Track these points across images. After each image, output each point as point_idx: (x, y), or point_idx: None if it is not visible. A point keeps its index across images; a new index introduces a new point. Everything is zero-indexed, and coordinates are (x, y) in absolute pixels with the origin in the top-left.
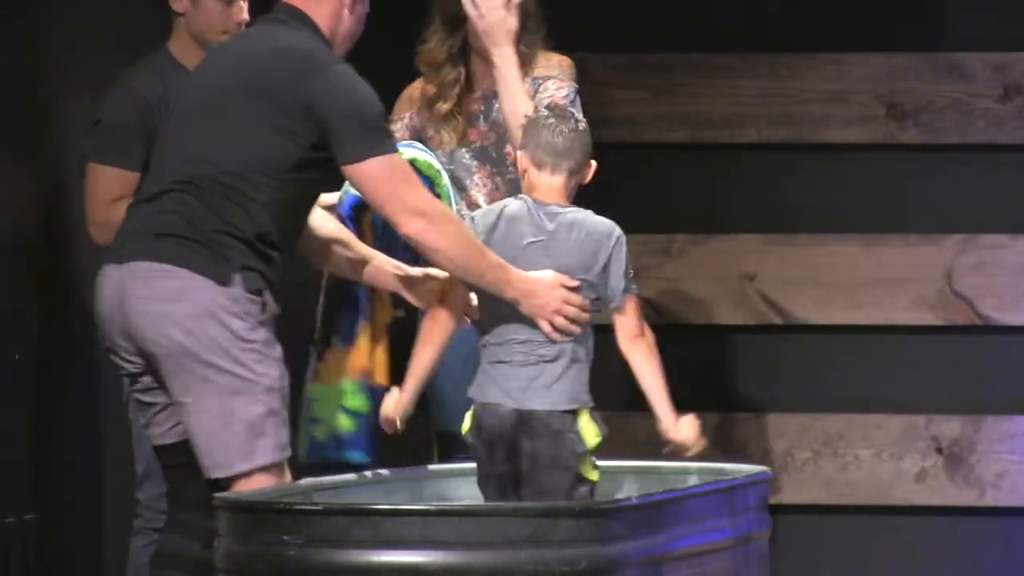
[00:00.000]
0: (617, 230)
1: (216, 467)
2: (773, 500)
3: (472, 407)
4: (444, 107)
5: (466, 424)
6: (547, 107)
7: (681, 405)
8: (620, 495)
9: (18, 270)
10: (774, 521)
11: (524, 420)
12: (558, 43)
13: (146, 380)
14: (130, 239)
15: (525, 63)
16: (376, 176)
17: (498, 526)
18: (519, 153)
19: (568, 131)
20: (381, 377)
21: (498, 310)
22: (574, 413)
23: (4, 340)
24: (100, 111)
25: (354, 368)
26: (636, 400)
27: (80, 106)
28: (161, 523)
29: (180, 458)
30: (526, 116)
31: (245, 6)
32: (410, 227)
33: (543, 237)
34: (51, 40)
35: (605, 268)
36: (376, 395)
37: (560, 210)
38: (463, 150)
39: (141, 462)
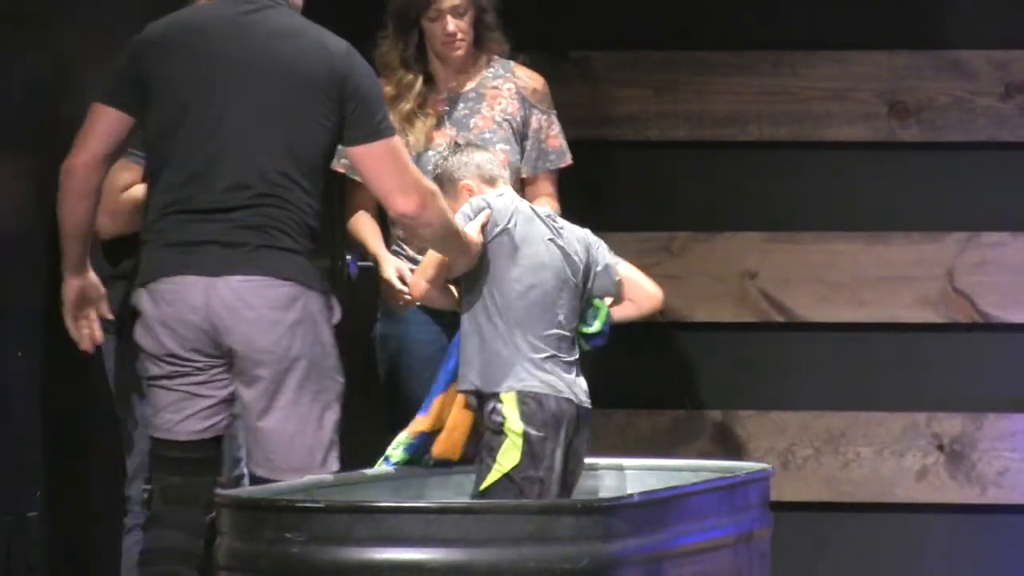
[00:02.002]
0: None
1: (291, 470)
2: (775, 497)
3: (518, 398)
4: (407, 107)
5: (515, 416)
6: (456, 143)
7: (683, 402)
8: (622, 492)
9: (23, 269)
10: (776, 518)
11: (581, 416)
12: (560, 42)
13: (205, 376)
14: (224, 252)
15: (496, 53)
16: (385, 155)
17: (500, 523)
18: (461, 183)
19: (490, 152)
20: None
21: (547, 305)
22: None
23: (7, 338)
24: None
25: (414, 430)
26: (638, 399)
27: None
28: None
29: (207, 452)
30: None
31: None
32: (410, 205)
33: (556, 237)
34: (75, 46)
35: (589, 266)
36: (413, 448)
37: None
38: (429, 153)
39: (133, 459)
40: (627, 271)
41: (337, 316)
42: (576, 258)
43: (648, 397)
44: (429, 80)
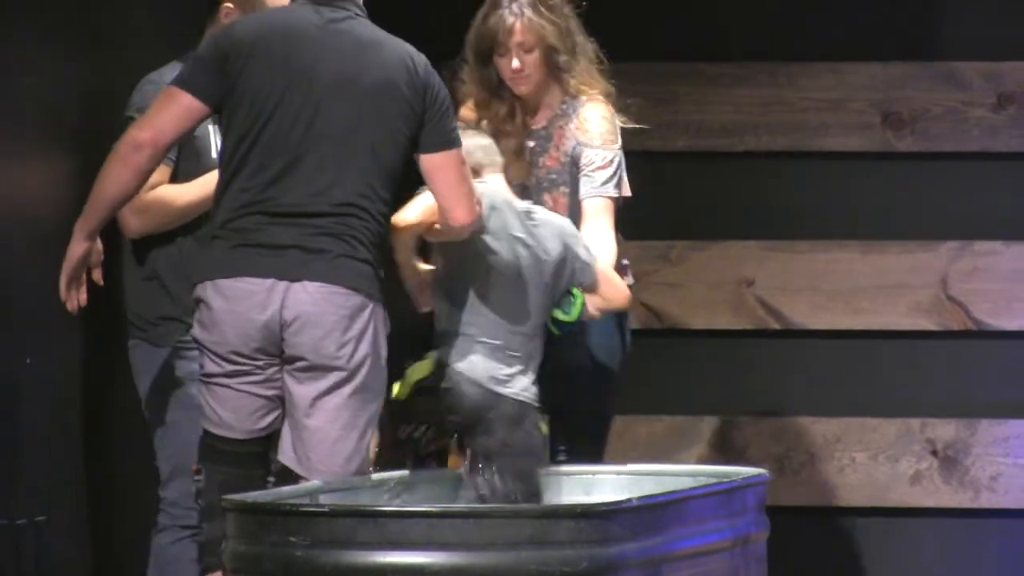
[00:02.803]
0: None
1: (327, 473)
2: (771, 502)
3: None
4: (511, 143)
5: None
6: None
7: (681, 408)
8: (621, 497)
9: (33, 277)
10: (772, 522)
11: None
12: None
13: (264, 375)
14: (305, 257)
15: (569, 92)
16: (456, 163)
17: (500, 527)
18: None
19: (486, 137)
20: None
21: (502, 302)
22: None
23: (17, 344)
24: (132, 107)
25: None
26: (637, 405)
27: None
28: (189, 520)
29: (261, 447)
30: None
31: None
32: (470, 216)
33: (527, 236)
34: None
35: (565, 259)
36: None
37: (530, 207)
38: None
39: (168, 461)
40: (603, 268)
41: (387, 328)
42: (546, 256)
43: (647, 403)
44: (513, 109)
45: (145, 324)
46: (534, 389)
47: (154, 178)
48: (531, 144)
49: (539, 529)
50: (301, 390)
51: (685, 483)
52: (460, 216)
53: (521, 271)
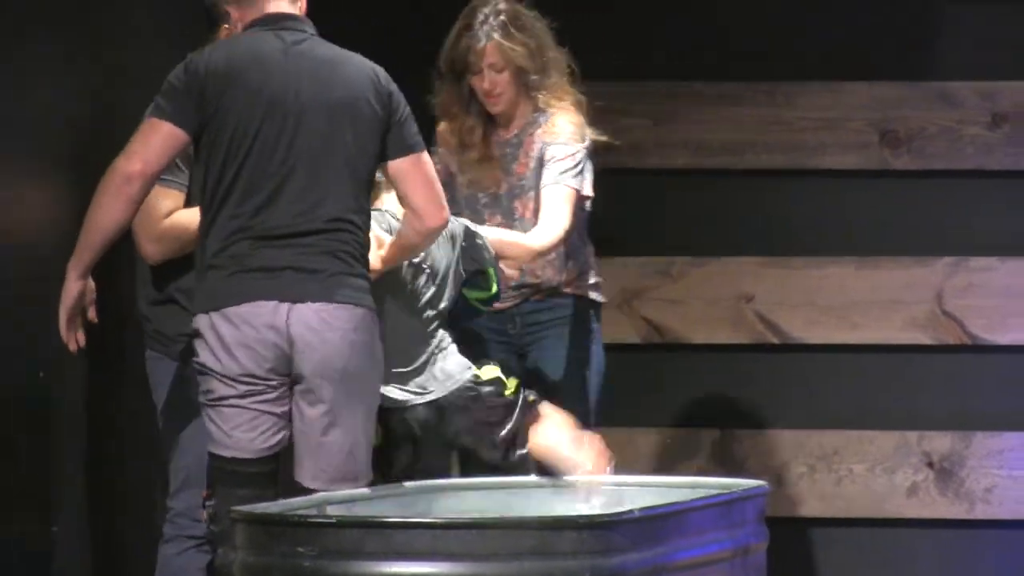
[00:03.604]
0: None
1: (344, 480)
2: (770, 513)
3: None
4: (473, 155)
5: None
6: None
7: (682, 421)
8: (623, 508)
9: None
10: (771, 533)
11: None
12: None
13: (275, 394)
14: (302, 277)
15: (540, 105)
16: (421, 167)
17: (504, 538)
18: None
19: None
20: None
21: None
22: None
23: (31, 358)
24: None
25: None
26: (638, 417)
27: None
28: (195, 531)
29: (271, 465)
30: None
31: None
32: (441, 218)
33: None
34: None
35: (456, 257)
36: None
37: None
38: (479, 194)
39: (179, 472)
40: (494, 236)
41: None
42: (438, 266)
43: (648, 416)
44: (489, 123)
45: (165, 340)
46: (457, 367)
47: (168, 205)
48: (506, 152)
49: (542, 539)
50: (313, 411)
51: (686, 495)
52: (432, 218)
53: (416, 291)
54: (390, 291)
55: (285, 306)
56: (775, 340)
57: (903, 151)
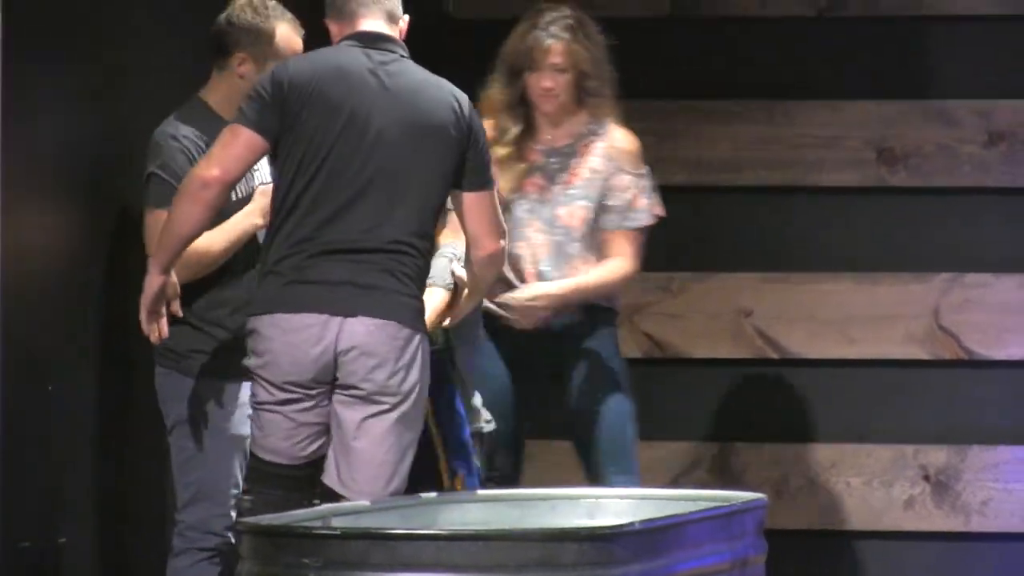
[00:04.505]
0: None
1: (368, 494)
2: (769, 525)
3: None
4: (501, 151)
5: None
6: None
7: (682, 434)
8: (624, 520)
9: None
10: (770, 545)
11: None
12: None
13: (314, 402)
14: (358, 292)
15: (596, 116)
16: (491, 202)
17: (508, 550)
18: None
19: None
20: None
21: None
22: None
23: (43, 372)
24: (155, 163)
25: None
26: (640, 430)
27: (128, 158)
28: (205, 543)
29: (309, 471)
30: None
31: None
32: (497, 245)
33: None
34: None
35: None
36: None
37: None
38: (519, 200)
39: (189, 487)
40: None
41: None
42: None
43: (649, 429)
44: (529, 128)
45: (176, 356)
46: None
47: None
48: (551, 160)
49: (545, 551)
50: (350, 414)
51: (686, 507)
52: (490, 246)
53: None
54: None
55: (337, 319)
56: (774, 355)
57: (900, 168)
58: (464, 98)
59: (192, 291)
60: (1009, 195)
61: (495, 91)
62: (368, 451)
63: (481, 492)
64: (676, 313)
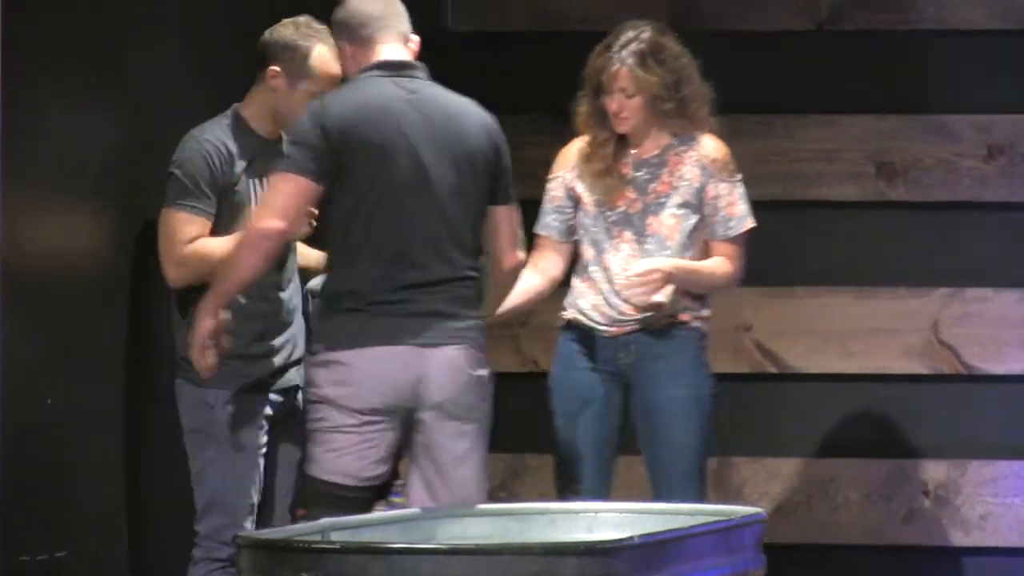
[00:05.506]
0: None
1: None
2: (768, 539)
3: None
4: (597, 166)
5: None
6: None
7: None
8: (623, 534)
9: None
10: (769, 560)
11: None
12: (567, 105)
13: (386, 426)
14: (440, 322)
15: (679, 135)
16: (514, 216)
17: (508, 564)
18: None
19: None
20: None
21: None
22: None
23: (42, 384)
24: (174, 163)
25: None
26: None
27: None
28: (222, 553)
29: (372, 492)
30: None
31: None
32: (520, 257)
33: None
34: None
35: None
36: None
37: None
38: (608, 212)
39: (205, 495)
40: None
41: None
42: None
43: None
44: (620, 141)
45: (190, 366)
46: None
47: (192, 232)
48: (640, 173)
49: (544, 565)
50: (451, 444)
51: (685, 521)
52: (513, 259)
53: None
54: None
55: (424, 349)
56: (774, 369)
57: (899, 183)
58: (491, 118)
59: (197, 296)
60: (1009, 209)
61: (584, 107)
62: (470, 476)
63: (480, 506)
64: None
